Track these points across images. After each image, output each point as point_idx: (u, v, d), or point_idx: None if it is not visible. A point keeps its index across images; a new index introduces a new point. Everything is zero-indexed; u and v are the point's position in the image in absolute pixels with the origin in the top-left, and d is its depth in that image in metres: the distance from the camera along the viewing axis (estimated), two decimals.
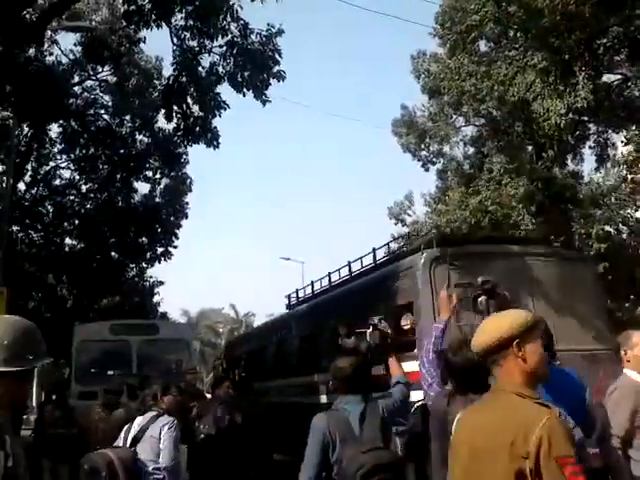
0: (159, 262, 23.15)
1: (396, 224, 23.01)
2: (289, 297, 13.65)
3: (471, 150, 19.96)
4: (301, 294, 13.02)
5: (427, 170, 21.46)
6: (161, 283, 25.09)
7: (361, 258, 9.99)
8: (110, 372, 12.01)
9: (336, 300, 10.35)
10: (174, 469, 5.11)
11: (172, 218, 22.93)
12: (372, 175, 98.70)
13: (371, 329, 4.43)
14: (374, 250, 9.68)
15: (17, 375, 2.15)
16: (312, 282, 12.16)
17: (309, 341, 10.99)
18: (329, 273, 11.25)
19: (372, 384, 3.99)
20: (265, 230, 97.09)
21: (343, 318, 8.12)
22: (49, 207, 22.88)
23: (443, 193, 19.70)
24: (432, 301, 6.95)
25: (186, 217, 23.32)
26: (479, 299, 3.84)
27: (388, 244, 9.71)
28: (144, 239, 22.95)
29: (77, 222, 22.61)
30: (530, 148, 16.91)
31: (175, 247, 23.29)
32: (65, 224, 22.79)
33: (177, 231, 23.18)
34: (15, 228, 21.16)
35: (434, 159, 21.10)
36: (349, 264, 10.44)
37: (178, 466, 5.18)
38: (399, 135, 20.50)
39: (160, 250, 23.08)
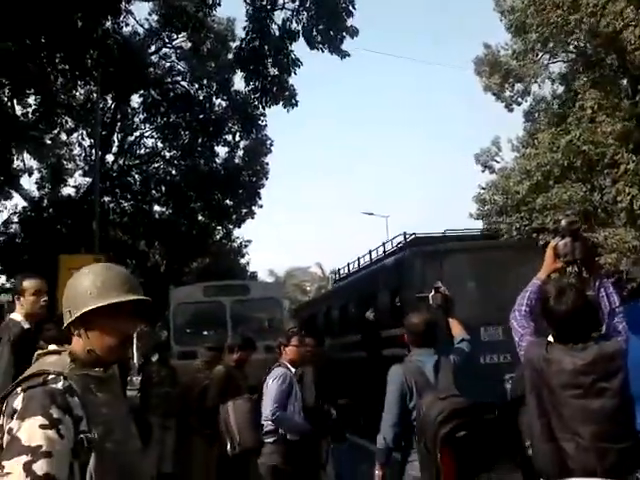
0: (244, 222, 23.62)
1: (483, 171, 22.19)
2: (333, 274, 18.08)
3: (560, 88, 18.93)
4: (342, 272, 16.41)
5: (511, 111, 20.54)
6: (249, 242, 25.52)
7: (376, 248, 13.26)
8: (205, 332, 12.40)
9: (355, 283, 14.19)
10: (277, 421, 5.26)
11: (254, 179, 23.16)
12: (455, 122, 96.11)
13: (433, 292, 4.79)
14: (384, 244, 12.81)
15: (113, 310, 1.99)
16: (348, 264, 15.63)
17: (344, 311, 14.12)
18: (358, 258, 14.65)
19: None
20: (349, 185, 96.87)
21: (359, 296, 13.12)
22: (136, 176, 23.58)
23: (531, 136, 18.81)
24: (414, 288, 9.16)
25: (266, 178, 23.52)
26: (563, 241, 3.63)
27: (392, 240, 12.40)
28: (228, 201, 23.38)
29: (164, 189, 23.22)
30: (625, 82, 15.82)
31: (261, 206, 23.65)
32: (153, 192, 23.44)
33: (260, 191, 23.45)
34: (106, 199, 21.98)
35: (519, 99, 20.18)
36: (370, 252, 13.63)
37: (282, 418, 5.30)
38: (481, 75, 19.63)
39: (244, 211, 23.50)
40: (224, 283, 14.42)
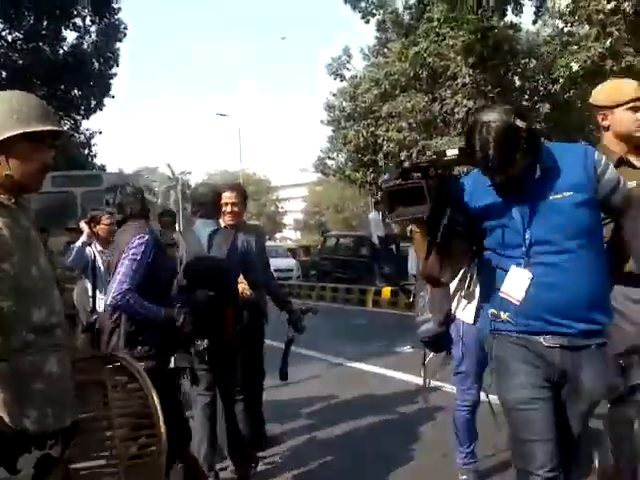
0: (94, 113, 22.58)
1: (335, 79, 22.68)
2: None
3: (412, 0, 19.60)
4: None
5: (367, 22, 20.97)
6: (100, 133, 24.29)
7: None
8: (55, 225, 12.12)
9: None
10: None
11: (104, 68, 21.99)
12: (313, 29, 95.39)
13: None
14: None
15: (36, 137, 1.98)
16: None
17: None
18: None
19: None
20: (202, 88, 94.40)
21: None
22: None
23: (383, 46, 19.43)
24: None
25: (117, 65, 22.37)
26: None
27: None
28: (76, 91, 22.14)
29: (4, 74, 21.41)
30: None
31: (112, 97, 22.70)
32: None
33: (110, 81, 22.37)
34: None
35: (374, 11, 20.63)
36: None
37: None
38: None
39: (93, 102, 22.41)
40: (74, 173, 13.97)
